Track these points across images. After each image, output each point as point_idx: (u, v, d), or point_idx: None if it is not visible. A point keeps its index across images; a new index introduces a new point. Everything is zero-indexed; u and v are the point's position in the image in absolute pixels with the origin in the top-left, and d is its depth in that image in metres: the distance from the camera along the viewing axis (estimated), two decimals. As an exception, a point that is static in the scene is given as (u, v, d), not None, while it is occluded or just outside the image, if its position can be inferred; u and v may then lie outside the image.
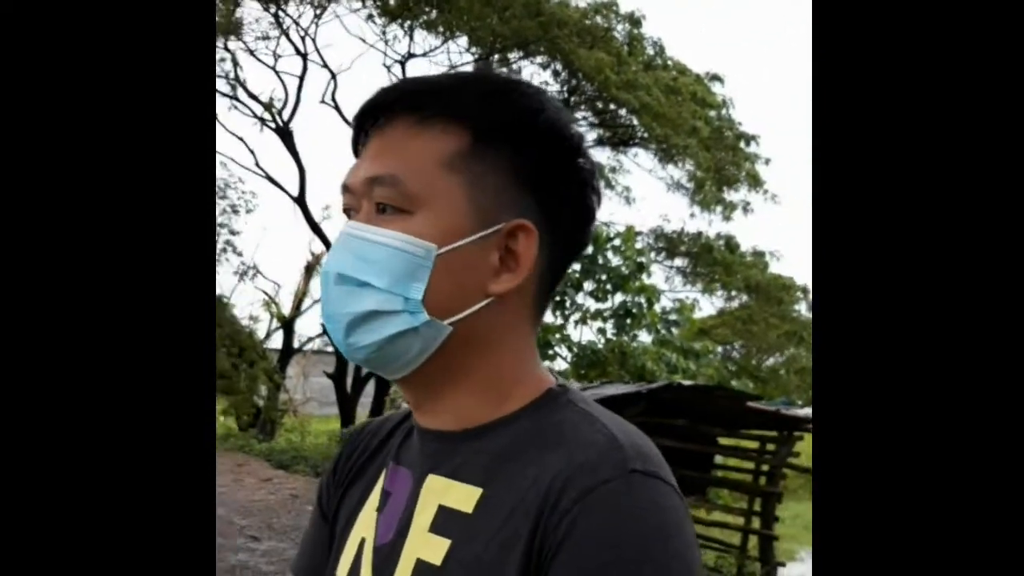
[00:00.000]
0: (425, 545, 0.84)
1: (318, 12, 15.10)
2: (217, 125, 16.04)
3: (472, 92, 0.87)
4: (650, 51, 15.92)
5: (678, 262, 18.69)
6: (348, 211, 0.88)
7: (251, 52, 15.77)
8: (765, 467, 8.69)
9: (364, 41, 18.08)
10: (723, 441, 9.43)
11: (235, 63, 15.85)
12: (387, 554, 0.87)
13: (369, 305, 0.83)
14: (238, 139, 17.77)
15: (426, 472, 0.88)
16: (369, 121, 0.89)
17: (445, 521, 0.84)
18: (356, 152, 0.90)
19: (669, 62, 16.10)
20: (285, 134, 15.89)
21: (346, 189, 0.88)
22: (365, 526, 0.92)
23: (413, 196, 0.83)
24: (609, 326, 14.90)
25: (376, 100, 0.88)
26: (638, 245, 16.20)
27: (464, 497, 0.83)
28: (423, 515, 0.86)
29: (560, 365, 14.91)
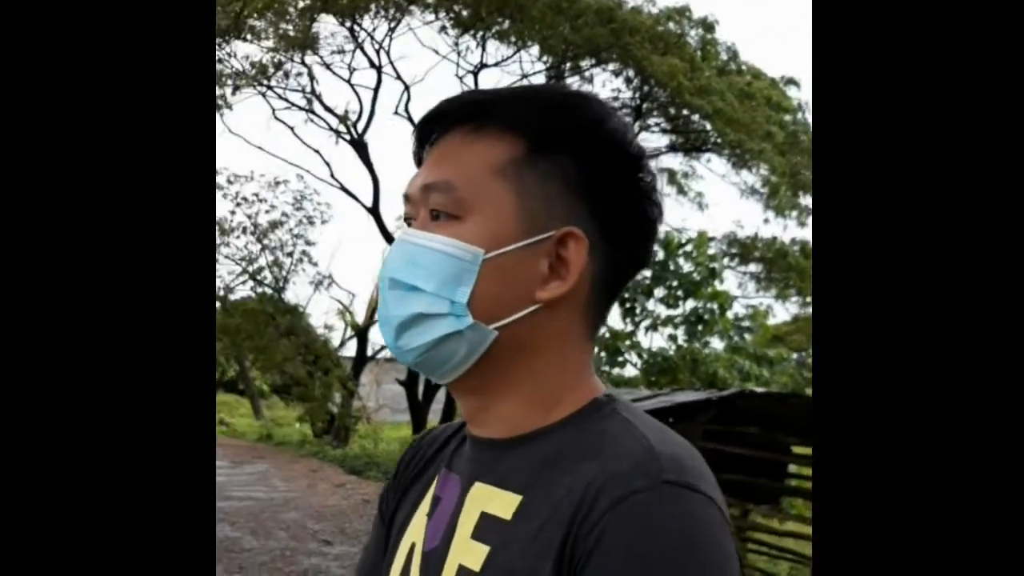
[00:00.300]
0: (467, 551, 0.84)
1: (392, 25, 15.33)
2: (294, 137, 16.36)
3: (530, 103, 0.88)
4: (724, 56, 15.80)
5: (752, 268, 18.43)
6: (408, 220, 0.90)
7: (327, 66, 16.09)
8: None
9: (437, 52, 18.20)
10: (797, 450, 9.24)
11: (311, 77, 16.19)
12: (433, 559, 0.88)
13: (417, 308, 0.84)
14: (314, 151, 18.13)
15: (473, 479, 0.89)
16: (430, 132, 0.90)
17: (486, 528, 0.84)
18: (418, 162, 0.92)
19: (743, 67, 15.96)
20: (360, 146, 16.14)
21: (406, 198, 0.90)
22: (416, 531, 0.93)
23: (464, 202, 0.85)
24: (680, 333, 14.77)
25: (436, 111, 0.90)
26: (711, 251, 16.04)
27: (505, 504, 0.84)
28: (467, 522, 0.86)
29: (630, 372, 14.83)
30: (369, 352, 18.86)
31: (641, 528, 0.73)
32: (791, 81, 16.32)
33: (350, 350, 19.22)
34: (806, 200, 16.06)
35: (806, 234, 17.28)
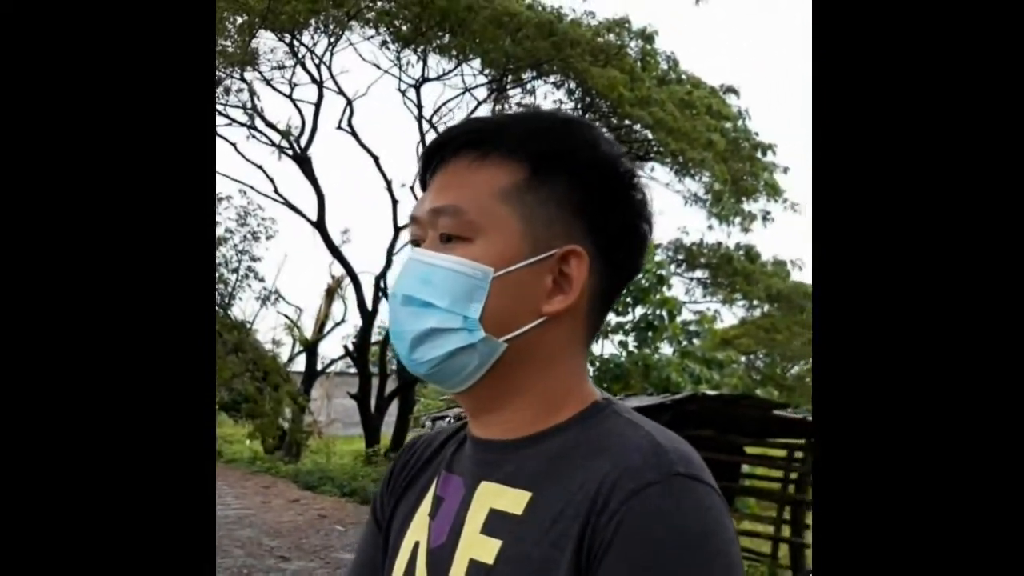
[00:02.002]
0: (478, 546, 0.89)
1: (332, 40, 15.29)
2: (236, 154, 16.21)
3: (529, 129, 0.94)
4: (664, 66, 15.97)
5: (698, 273, 18.69)
6: (416, 241, 0.95)
7: (267, 82, 16.01)
8: (793, 475, 8.66)
9: (378, 67, 18.23)
10: (750, 450, 9.40)
11: (252, 93, 16.08)
12: (441, 556, 0.92)
13: (431, 323, 0.90)
14: (257, 167, 17.90)
15: (479, 479, 0.93)
16: (435, 159, 0.95)
17: (496, 523, 0.89)
18: (424, 186, 0.97)
19: (683, 76, 16.14)
20: (303, 161, 16.05)
21: (414, 220, 0.95)
22: (419, 530, 0.97)
23: (473, 224, 0.90)
24: (631, 339, 14.90)
25: (442, 139, 0.95)
26: (658, 258, 16.20)
27: (514, 500, 0.88)
28: (475, 519, 0.91)
29: (583, 380, 14.82)
30: (319, 366, 18.74)
31: (657, 517, 0.79)
32: (730, 89, 16.56)
33: (299, 365, 19.08)
34: (749, 206, 16.34)
35: (750, 239, 17.61)
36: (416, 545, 0.96)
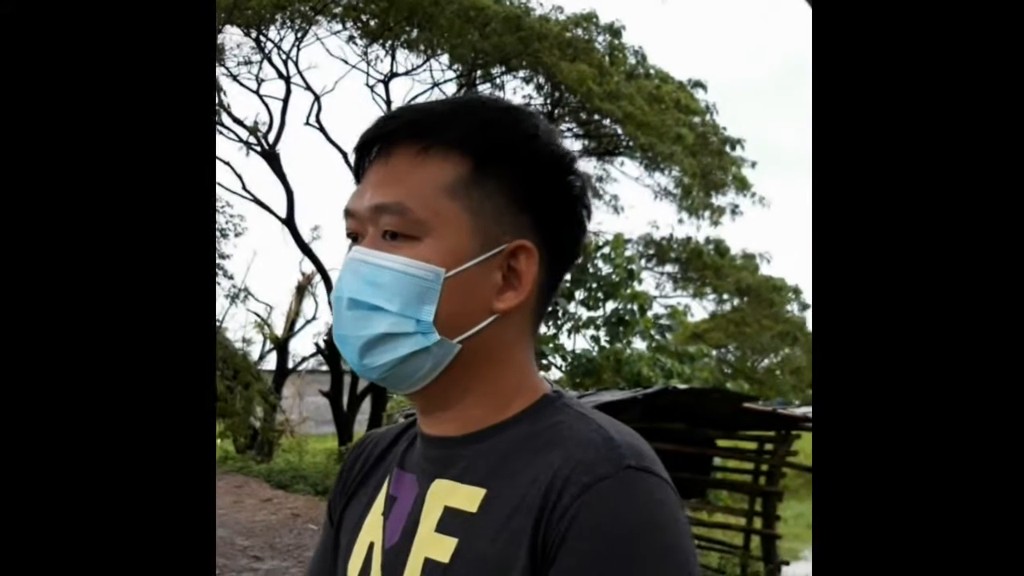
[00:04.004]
0: (433, 544, 0.88)
1: (299, 35, 15.17)
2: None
3: (470, 120, 0.91)
4: (632, 60, 16.00)
5: (668, 268, 18.77)
6: (353, 236, 0.92)
7: (234, 77, 15.83)
8: (764, 467, 8.73)
9: (346, 62, 18.09)
10: (721, 443, 9.46)
11: (219, 89, 15.91)
12: (395, 556, 0.91)
13: (382, 328, 0.88)
14: (224, 163, 17.77)
15: (432, 477, 0.92)
16: (372, 149, 0.92)
17: (451, 521, 0.88)
18: (358, 178, 0.94)
19: (651, 71, 16.18)
20: (271, 157, 15.92)
21: (350, 214, 0.92)
22: (372, 530, 0.96)
23: (419, 223, 0.87)
24: (602, 334, 14.96)
25: (378, 130, 0.92)
26: (628, 252, 16.26)
27: (468, 498, 0.88)
28: (429, 517, 0.90)
29: (555, 375, 14.94)
30: (290, 364, 18.61)
31: (610, 511, 0.79)
32: (698, 84, 16.61)
33: (270, 363, 18.93)
34: (718, 200, 16.41)
35: (719, 233, 17.69)
36: (371, 546, 0.95)
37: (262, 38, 15.17)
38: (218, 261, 18.36)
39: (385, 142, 0.91)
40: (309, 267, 17.48)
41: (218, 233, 18.30)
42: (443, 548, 0.87)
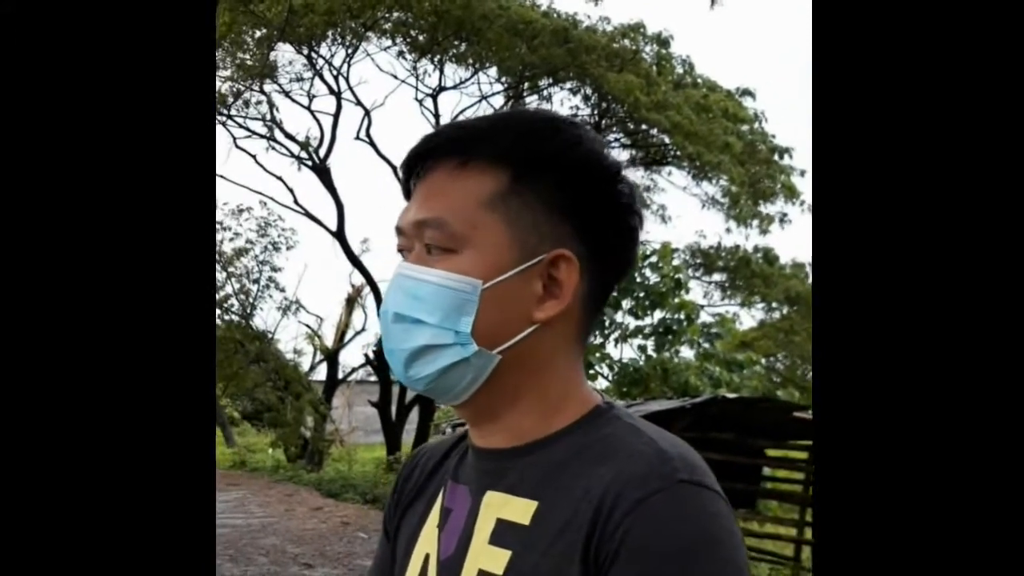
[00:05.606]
0: (486, 556, 0.88)
1: (350, 52, 15.43)
2: (256, 165, 16.34)
3: (509, 133, 0.91)
4: (679, 70, 15.99)
5: (716, 277, 18.64)
6: (402, 251, 0.94)
7: (286, 94, 16.15)
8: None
9: (396, 77, 18.33)
10: (771, 452, 9.39)
11: (271, 105, 16.23)
12: (451, 567, 0.92)
13: (423, 340, 0.89)
14: (277, 178, 18.07)
15: (484, 488, 0.93)
16: (416, 167, 0.94)
17: (504, 533, 0.88)
18: (407, 196, 0.95)
19: (699, 80, 16.15)
20: (322, 171, 16.16)
21: (399, 231, 0.93)
22: (428, 542, 0.97)
23: (458, 236, 0.88)
24: (650, 343, 14.92)
25: (421, 147, 0.93)
26: (675, 262, 16.21)
27: (521, 510, 0.88)
28: (483, 529, 0.90)
29: (602, 384, 14.93)
30: (340, 375, 18.82)
31: (663, 526, 0.79)
32: (746, 92, 16.55)
33: (320, 374, 19.17)
34: (766, 208, 16.31)
35: (767, 242, 17.55)
36: (427, 557, 0.96)
37: (314, 55, 15.46)
38: (270, 274, 18.65)
39: (427, 159, 0.93)
40: (359, 279, 17.70)
41: (271, 247, 18.60)
42: (497, 560, 0.87)
